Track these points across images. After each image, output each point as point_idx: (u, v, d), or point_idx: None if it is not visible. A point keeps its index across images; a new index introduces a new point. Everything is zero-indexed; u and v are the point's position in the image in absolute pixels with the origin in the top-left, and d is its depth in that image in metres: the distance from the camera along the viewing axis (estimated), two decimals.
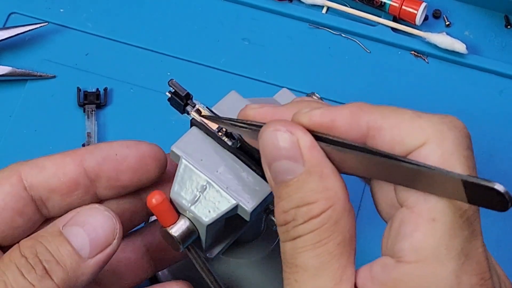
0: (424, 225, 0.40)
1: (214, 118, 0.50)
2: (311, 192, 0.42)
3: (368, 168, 0.42)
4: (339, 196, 0.42)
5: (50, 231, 0.48)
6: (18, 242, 0.48)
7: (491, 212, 0.38)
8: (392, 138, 0.41)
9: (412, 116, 0.42)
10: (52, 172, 0.51)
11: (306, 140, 0.42)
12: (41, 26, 0.75)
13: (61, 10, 0.78)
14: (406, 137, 0.41)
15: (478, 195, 0.38)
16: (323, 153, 0.43)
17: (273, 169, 0.43)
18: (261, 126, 0.44)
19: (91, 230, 0.48)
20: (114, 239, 0.48)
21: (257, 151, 0.49)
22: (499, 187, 0.37)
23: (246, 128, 0.47)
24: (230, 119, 0.48)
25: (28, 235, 0.49)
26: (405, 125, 0.42)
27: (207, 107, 0.52)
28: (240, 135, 0.50)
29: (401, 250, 0.41)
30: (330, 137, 0.43)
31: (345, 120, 0.43)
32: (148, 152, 0.52)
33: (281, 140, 0.43)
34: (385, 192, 0.44)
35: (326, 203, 0.42)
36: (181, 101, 0.51)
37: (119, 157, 0.52)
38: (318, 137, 0.43)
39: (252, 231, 0.59)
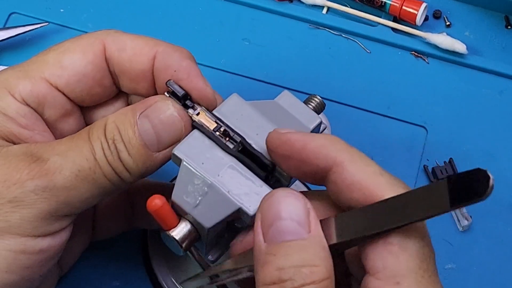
0: None
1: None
2: (315, 256, 0.43)
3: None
4: (332, 272, 0.43)
5: (128, 118, 0.50)
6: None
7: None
8: (352, 184, 0.44)
9: (375, 171, 0.45)
10: (128, 57, 0.53)
11: (314, 214, 0.44)
12: (41, 26, 0.75)
13: (61, 10, 0.78)
14: (366, 190, 0.44)
15: (460, 189, 0.40)
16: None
17: (274, 228, 0.44)
18: None
19: (160, 128, 0.50)
20: (179, 140, 0.51)
21: (262, 154, 0.49)
22: (481, 169, 0.39)
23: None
24: None
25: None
26: (367, 176, 0.44)
27: (208, 110, 0.52)
28: (242, 139, 0.50)
29: None
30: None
31: (315, 148, 0.45)
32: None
33: (293, 203, 0.44)
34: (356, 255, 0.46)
35: (327, 272, 0.43)
36: (179, 101, 0.51)
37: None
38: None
39: None
